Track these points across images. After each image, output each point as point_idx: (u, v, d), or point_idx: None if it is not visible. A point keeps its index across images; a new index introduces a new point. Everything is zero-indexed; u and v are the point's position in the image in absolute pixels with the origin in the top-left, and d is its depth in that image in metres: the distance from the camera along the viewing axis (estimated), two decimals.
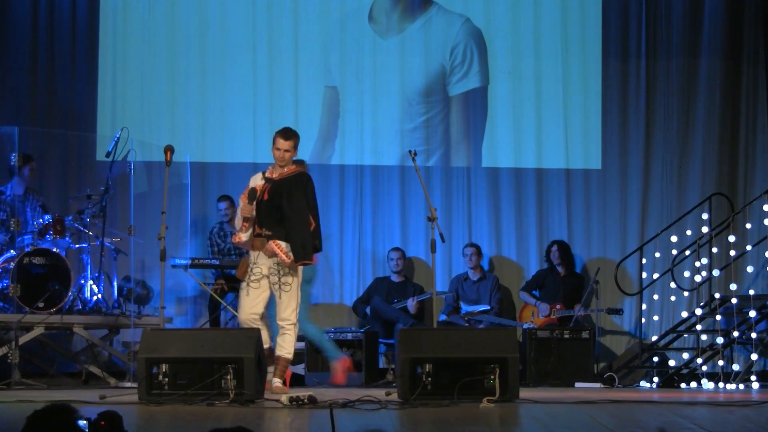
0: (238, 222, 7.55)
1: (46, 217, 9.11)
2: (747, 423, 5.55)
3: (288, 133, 7.47)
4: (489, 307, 10.13)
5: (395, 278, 10.31)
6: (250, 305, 7.38)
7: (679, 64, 11.01)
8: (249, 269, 7.43)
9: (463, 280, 10.29)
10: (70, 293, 8.96)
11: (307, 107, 10.84)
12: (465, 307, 10.20)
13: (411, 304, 10.00)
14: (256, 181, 7.54)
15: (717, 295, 9.80)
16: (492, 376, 6.47)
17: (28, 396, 7.07)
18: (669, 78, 11.01)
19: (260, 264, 7.39)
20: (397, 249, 10.35)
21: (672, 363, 9.83)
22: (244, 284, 7.43)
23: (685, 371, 9.29)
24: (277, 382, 7.38)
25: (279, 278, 7.34)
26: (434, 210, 7.66)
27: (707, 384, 9.01)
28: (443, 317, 10.17)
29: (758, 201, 10.07)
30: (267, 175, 7.52)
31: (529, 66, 10.96)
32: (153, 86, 10.73)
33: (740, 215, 10.21)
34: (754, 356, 9.11)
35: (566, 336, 9.64)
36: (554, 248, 10.31)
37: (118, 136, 9.36)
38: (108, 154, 9.37)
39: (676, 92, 10.99)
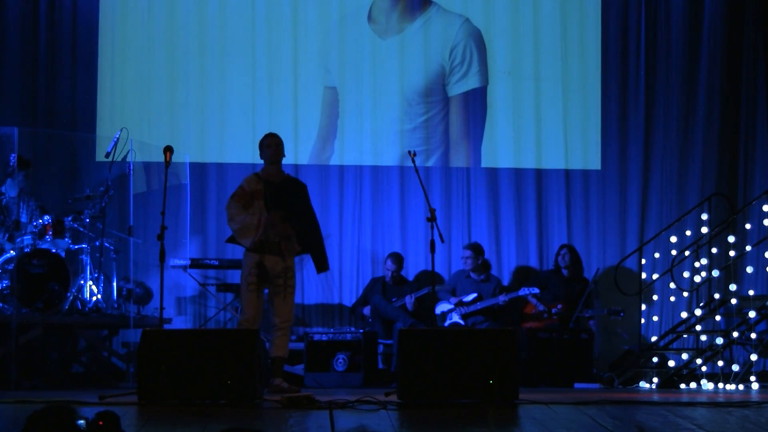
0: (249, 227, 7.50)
1: (46, 217, 9.11)
2: (746, 423, 5.54)
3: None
4: (476, 294, 10.04)
5: (390, 280, 10.26)
6: (260, 305, 7.50)
7: (678, 64, 11.01)
8: (254, 270, 7.46)
9: (465, 277, 10.23)
10: (70, 294, 8.96)
11: (307, 108, 10.84)
12: (454, 300, 10.07)
13: (410, 301, 9.97)
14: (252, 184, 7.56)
15: (716, 296, 9.81)
16: (491, 377, 6.47)
17: (27, 396, 7.06)
18: (668, 78, 11.01)
19: (267, 265, 7.50)
20: (393, 257, 10.25)
21: (671, 363, 9.82)
22: (250, 284, 7.44)
23: (684, 372, 9.29)
24: (283, 382, 7.47)
25: (285, 280, 7.43)
26: (433, 210, 7.66)
27: (707, 384, 9.00)
28: (445, 306, 10.02)
29: (758, 201, 10.08)
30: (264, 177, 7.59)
31: (529, 66, 10.97)
32: (152, 87, 10.73)
33: (740, 215, 10.21)
34: (753, 357, 9.11)
35: (565, 336, 9.64)
36: (564, 251, 10.26)
37: (117, 136, 9.37)
38: (107, 155, 9.38)
39: (675, 92, 11.00)
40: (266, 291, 7.70)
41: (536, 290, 9.88)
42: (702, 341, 9.59)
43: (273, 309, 7.57)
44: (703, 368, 9.25)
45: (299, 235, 7.58)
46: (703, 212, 10.14)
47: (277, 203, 7.49)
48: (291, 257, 7.61)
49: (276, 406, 6.26)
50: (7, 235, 9.06)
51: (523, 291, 9.92)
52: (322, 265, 7.77)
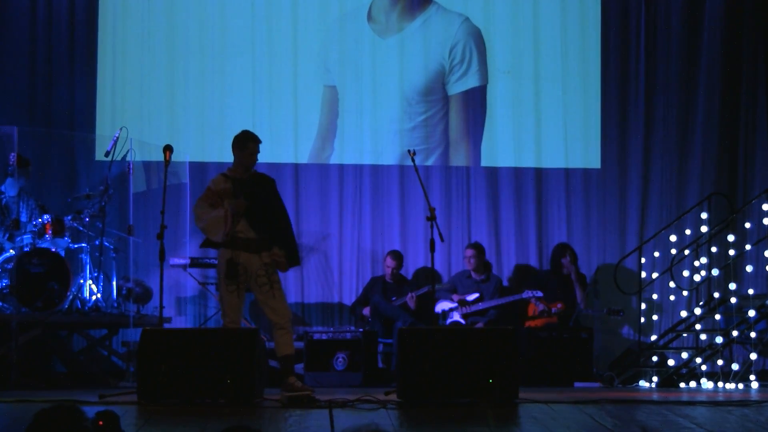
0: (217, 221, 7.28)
1: (45, 216, 9.11)
2: (746, 422, 5.55)
3: None
4: (478, 295, 10.04)
5: (390, 278, 10.25)
6: (240, 307, 7.23)
7: (678, 63, 11.01)
8: (232, 268, 7.21)
9: (466, 277, 10.23)
10: (70, 293, 8.96)
11: (306, 107, 10.83)
12: (457, 297, 10.07)
13: (411, 300, 9.94)
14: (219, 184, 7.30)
15: (716, 295, 9.81)
16: (491, 376, 6.47)
17: (27, 396, 7.06)
18: (668, 77, 11.01)
19: (243, 263, 7.12)
20: (393, 254, 10.24)
21: (671, 362, 9.82)
22: (230, 284, 7.07)
23: (684, 371, 9.29)
24: (297, 381, 7.16)
25: (268, 276, 7.16)
26: (433, 209, 7.65)
27: (706, 383, 9.01)
28: (446, 304, 10.01)
29: (757, 200, 10.08)
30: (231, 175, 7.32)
31: (529, 65, 10.96)
32: (152, 86, 10.73)
33: (739, 214, 10.21)
34: (753, 355, 9.11)
35: (565, 336, 9.63)
36: (568, 252, 10.20)
37: (117, 135, 9.37)
38: (107, 154, 9.38)
39: (675, 91, 11.00)
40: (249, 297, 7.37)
41: (539, 293, 9.86)
42: (702, 340, 9.59)
43: (266, 309, 7.12)
44: (703, 367, 9.25)
45: (268, 234, 7.13)
46: (702, 211, 10.14)
47: (248, 199, 7.11)
48: (267, 253, 7.12)
49: (276, 405, 6.26)
50: (6, 235, 9.07)
51: (527, 294, 9.89)
52: (292, 260, 7.24)
